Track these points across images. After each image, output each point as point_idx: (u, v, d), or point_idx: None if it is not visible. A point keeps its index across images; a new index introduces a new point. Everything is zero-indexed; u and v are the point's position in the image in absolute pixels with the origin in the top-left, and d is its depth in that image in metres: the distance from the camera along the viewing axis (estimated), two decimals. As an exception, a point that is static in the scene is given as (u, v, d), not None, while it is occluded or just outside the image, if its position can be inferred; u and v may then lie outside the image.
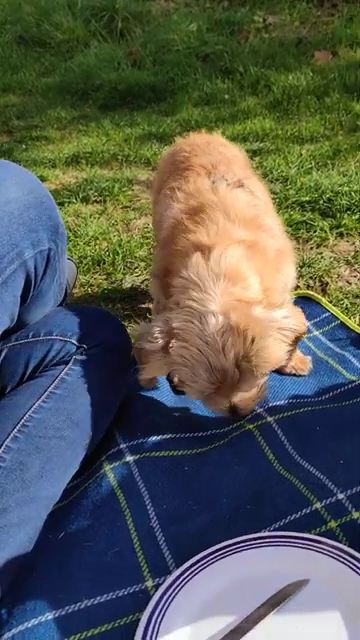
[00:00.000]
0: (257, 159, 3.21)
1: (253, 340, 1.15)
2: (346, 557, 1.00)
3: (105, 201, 2.90)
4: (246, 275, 1.22)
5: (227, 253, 1.22)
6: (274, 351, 1.20)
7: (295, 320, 1.24)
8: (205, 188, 1.39)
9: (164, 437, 1.36)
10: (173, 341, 1.20)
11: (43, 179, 3.29)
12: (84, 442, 1.25)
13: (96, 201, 2.92)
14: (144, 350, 1.24)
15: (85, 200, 2.93)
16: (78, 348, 1.33)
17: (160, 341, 1.22)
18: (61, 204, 2.88)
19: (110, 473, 1.26)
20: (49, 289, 1.31)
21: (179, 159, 1.58)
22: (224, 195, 1.35)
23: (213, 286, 1.19)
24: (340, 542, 1.06)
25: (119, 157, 3.55)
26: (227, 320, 1.15)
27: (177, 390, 1.54)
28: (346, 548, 1.02)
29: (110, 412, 1.34)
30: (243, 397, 1.25)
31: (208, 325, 1.16)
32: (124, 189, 3.00)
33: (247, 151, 3.33)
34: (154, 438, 1.35)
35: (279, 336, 1.21)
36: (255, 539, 1.07)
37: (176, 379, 1.39)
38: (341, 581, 0.97)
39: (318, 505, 1.14)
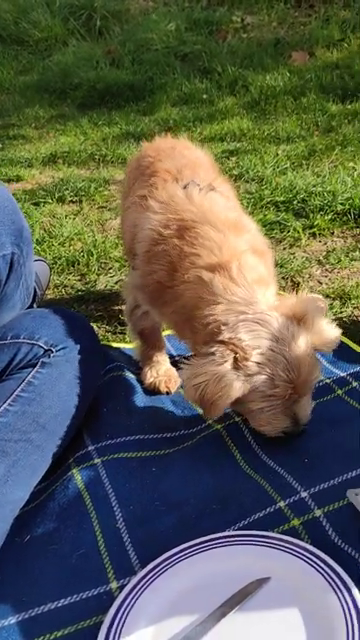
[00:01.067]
0: (234, 159, 3.23)
1: (313, 322, 1.23)
2: (307, 554, 1.02)
3: (81, 201, 2.89)
4: (268, 279, 1.30)
5: (247, 265, 1.26)
6: (329, 330, 1.27)
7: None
8: (179, 196, 1.38)
9: (133, 438, 1.37)
10: (242, 353, 1.17)
11: (19, 178, 3.28)
12: (51, 445, 1.25)
13: (72, 201, 2.91)
14: (214, 378, 1.17)
15: (61, 200, 2.92)
16: (46, 351, 1.33)
17: (229, 359, 1.17)
18: (36, 204, 2.87)
19: (77, 475, 1.26)
20: (14, 293, 1.31)
21: (144, 164, 1.57)
22: (201, 203, 1.36)
23: (253, 295, 1.23)
24: (302, 540, 1.07)
25: (96, 157, 3.54)
26: (283, 315, 1.22)
27: (148, 390, 1.55)
28: (307, 546, 1.04)
29: (78, 415, 1.34)
30: (307, 405, 1.28)
31: (271, 325, 1.20)
32: (100, 189, 3.00)
33: (224, 151, 3.36)
34: (123, 439, 1.36)
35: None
36: (218, 538, 1.08)
37: (252, 422, 1.30)
38: (301, 578, 0.99)
39: (282, 504, 1.16)
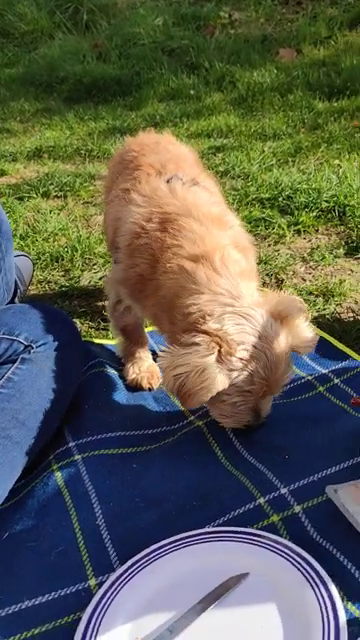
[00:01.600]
0: (220, 155, 3.23)
1: (294, 323, 1.25)
2: (283, 549, 1.02)
3: (66, 196, 2.87)
4: (250, 274, 1.30)
5: (229, 257, 1.26)
6: (308, 332, 1.28)
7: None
8: (162, 190, 1.38)
9: (114, 435, 1.36)
10: (226, 347, 1.16)
11: (3, 172, 3.25)
12: (31, 442, 1.24)
13: (57, 196, 2.89)
14: (196, 369, 1.15)
15: (46, 195, 2.90)
16: (26, 347, 1.32)
17: (215, 352, 1.16)
18: (21, 199, 2.84)
19: (57, 472, 1.25)
20: None
21: (128, 159, 1.57)
22: (184, 197, 1.35)
23: (238, 288, 1.22)
24: (281, 535, 1.08)
25: (82, 152, 3.52)
26: (267, 312, 1.22)
27: (131, 387, 1.55)
28: (285, 541, 1.04)
29: (59, 411, 1.34)
30: (269, 401, 1.29)
31: (256, 320, 1.20)
32: (86, 184, 2.98)
33: (210, 147, 3.36)
34: (104, 436, 1.35)
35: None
36: (198, 535, 1.08)
37: (215, 413, 1.31)
38: (279, 574, 0.99)
39: (262, 500, 1.16)
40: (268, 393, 1.25)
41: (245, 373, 1.19)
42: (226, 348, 1.17)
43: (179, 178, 1.41)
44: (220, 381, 1.17)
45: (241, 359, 1.18)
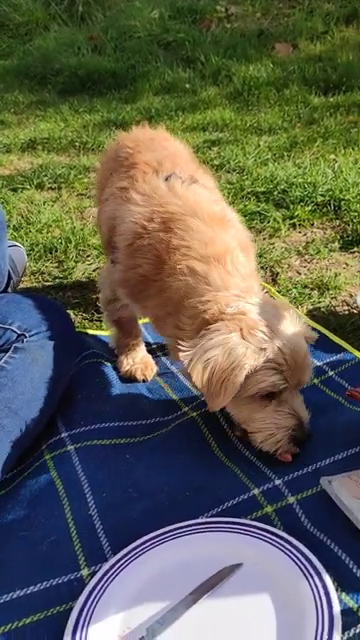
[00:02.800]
0: (215, 149, 3.21)
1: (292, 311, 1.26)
2: (277, 540, 1.02)
3: (60, 188, 2.85)
4: (256, 275, 1.32)
5: (238, 260, 1.25)
6: (308, 329, 1.29)
7: None
8: (162, 189, 1.35)
9: (107, 425, 1.36)
10: (247, 326, 1.14)
11: (-3, 164, 3.22)
12: (23, 431, 1.23)
13: (51, 188, 2.87)
14: (224, 351, 1.12)
15: (40, 187, 2.87)
16: (19, 336, 1.31)
17: (237, 331, 1.14)
18: (14, 190, 2.82)
19: (50, 462, 1.24)
20: None
21: (122, 155, 1.53)
22: (185, 196, 1.33)
23: (251, 286, 1.24)
24: (275, 526, 1.07)
25: (77, 144, 3.49)
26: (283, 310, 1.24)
27: (124, 378, 1.54)
28: (277, 531, 1.04)
29: (52, 401, 1.32)
30: (302, 402, 1.23)
31: (271, 308, 1.21)
32: (80, 176, 2.96)
33: (206, 141, 3.34)
34: (97, 426, 1.34)
35: None
36: (190, 525, 1.08)
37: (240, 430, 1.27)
38: (272, 564, 0.99)
39: (256, 491, 1.16)
40: (298, 378, 1.20)
41: (274, 346, 1.15)
42: (247, 326, 1.15)
43: (178, 176, 1.39)
44: (251, 355, 1.13)
45: (264, 333, 1.15)
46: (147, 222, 1.30)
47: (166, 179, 1.38)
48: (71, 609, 0.97)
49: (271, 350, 1.15)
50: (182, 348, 1.17)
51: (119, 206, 1.40)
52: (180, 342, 1.20)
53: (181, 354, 1.17)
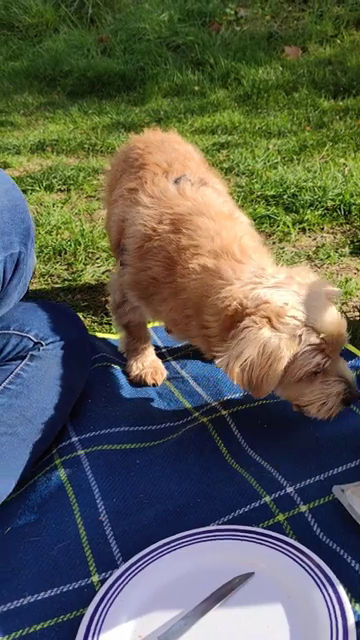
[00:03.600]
0: (224, 152, 3.21)
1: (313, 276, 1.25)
2: (290, 550, 1.01)
3: (69, 190, 2.86)
4: (269, 257, 1.31)
5: (247, 246, 1.24)
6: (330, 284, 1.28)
7: None
8: (171, 191, 1.35)
9: (118, 430, 1.35)
10: (274, 315, 1.12)
11: (6, 165, 3.23)
12: (37, 439, 1.23)
13: (60, 190, 2.88)
14: (257, 349, 1.11)
15: (49, 188, 2.88)
16: (35, 344, 1.30)
17: (265, 324, 1.12)
18: (24, 192, 2.82)
19: (60, 467, 1.24)
20: (15, 290, 1.27)
21: (133, 157, 1.53)
22: (194, 197, 1.33)
23: (264, 268, 1.21)
24: (287, 535, 1.06)
25: (86, 146, 3.50)
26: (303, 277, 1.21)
27: (134, 382, 1.53)
28: (290, 541, 1.03)
29: (65, 409, 1.32)
30: (345, 364, 1.23)
31: (291, 284, 1.18)
32: (89, 178, 2.96)
33: (215, 144, 3.34)
34: (107, 431, 1.34)
35: None
36: (202, 533, 1.07)
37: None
38: (284, 573, 0.98)
39: (267, 499, 1.15)
40: (336, 343, 1.18)
41: (307, 328, 1.14)
42: (274, 314, 1.13)
43: (187, 179, 1.39)
44: (286, 345, 1.12)
45: (294, 317, 1.14)
46: (157, 224, 1.30)
47: (176, 181, 1.38)
48: (82, 616, 0.96)
49: (306, 333, 1.13)
50: (216, 354, 1.16)
51: (128, 208, 1.40)
52: (211, 340, 1.20)
53: (217, 361, 1.16)
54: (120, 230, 1.43)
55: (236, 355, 1.12)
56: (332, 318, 1.17)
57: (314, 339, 1.14)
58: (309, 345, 1.14)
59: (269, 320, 1.13)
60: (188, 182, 1.37)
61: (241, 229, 1.30)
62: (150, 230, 1.30)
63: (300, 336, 1.13)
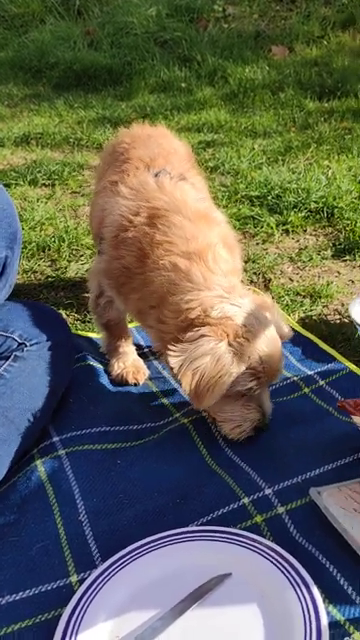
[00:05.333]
0: (210, 151, 3.22)
1: (274, 315, 1.31)
2: (267, 551, 1.03)
3: (54, 185, 2.84)
4: (238, 272, 1.35)
5: (220, 256, 1.27)
6: (283, 322, 1.35)
7: None
8: (150, 184, 1.37)
9: (99, 430, 1.35)
10: (233, 332, 1.19)
11: (-10, 158, 3.19)
12: (18, 440, 1.23)
13: (44, 184, 2.86)
14: (212, 359, 1.16)
15: (33, 183, 2.86)
16: (19, 345, 1.30)
17: (225, 339, 1.18)
18: (7, 185, 2.80)
19: (41, 467, 1.24)
20: (0, 293, 1.27)
21: (119, 150, 1.56)
22: (172, 192, 1.35)
23: (233, 285, 1.26)
24: (264, 536, 1.08)
25: (71, 140, 3.48)
26: (263, 309, 1.27)
27: (116, 382, 1.53)
28: (268, 542, 1.05)
29: (48, 411, 1.32)
30: (268, 397, 1.30)
31: (253, 309, 1.23)
32: (74, 174, 2.95)
33: (200, 142, 3.34)
34: (88, 431, 1.34)
35: None
36: (181, 534, 1.08)
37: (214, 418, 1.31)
38: (261, 574, 1.00)
39: (246, 500, 1.16)
40: (270, 378, 1.27)
41: (256, 354, 1.21)
42: (233, 332, 1.19)
43: (167, 172, 1.41)
44: (237, 365, 1.19)
45: (249, 340, 1.20)
46: (133, 216, 1.33)
47: (155, 175, 1.40)
48: (60, 616, 0.97)
49: (253, 358, 1.21)
50: (171, 353, 1.20)
51: (109, 199, 1.43)
52: (163, 334, 1.25)
53: (171, 359, 1.20)
54: (100, 220, 1.46)
55: (191, 359, 1.17)
56: (277, 355, 1.26)
57: (257, 365, 1.22)
58: (251, 369, 1.22)
59: (227, 336, 1.19)
60: (167, 176, 1.40)
61: (218, 233, 1.33)
62: (126, 221, 1.33)
63: (249, 358, 1.20)
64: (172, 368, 1.20)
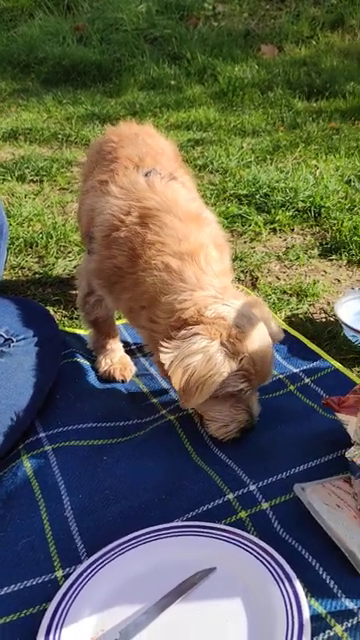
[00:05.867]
0: (199, 149, 3.22)
1: (265, 315, 1.31)
2: (251, 546, 1.04)
3: (42, 181, 2.83)
4: (229, 272, 1.35)
5: (211, 257, 1.28)
6: (274, 322, 1.36)
7: None
8: (141, 184, 1.37)
9: (85, 426, 1.36)
10: (226, 332, 1.19)
11: (-23, 153, 3.17)
12: (2, 437, 1.22)
13: (32, 181, 2.84)
14: (204, 357, 1.17)
15: (21, 179, 2.84)
16: (6, 340, 1.30)
17: (218, 338, 1.18)
18: (-5, 181, 2.79)
19: (27, 462, 1.24)
20: None
21: (106, 149, 1.56)
22: (163, 192, 1.35)
23: (226, 286, 1.27)
24: (248, 532, 1.09)
25: (59, 136, 3.46)
26: (255, 310, 1.27)
27: (103, 378, 1.54)
28: (252, 537, 1.06)
29: (34, 407, 1.32)
30: (257, 399, 1.31)
31: (247, 311, 1.24)
32: (62, 170, 2.94)
33: (189, 140, 3.35)
34: (75, 427, 1.34)
35: None
36: (166, 529, 1.09)
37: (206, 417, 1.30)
38: (245, 569, 1.01)
39: (231, 496, 1.18)
40: (261, 380, 1.27)
41: (248, 355, 1.21)
42: (226, 333, 1.20)
43: (157, 172, 1.42)
44: (228, 364, 1.19)
45: (241, 341, 1.21)
46: (124, 215, 1.33)
47: (146, 174, 1.41)
48: (45, 611, 0.97)
49: (245, 359, 1.21)
50: (163, 349, 1.20)
51: (98, 198, 1.42)
52: (155, 334, 1.25)
53: (162, 355, 1.20)
54: (90, 220, 1.46)
55: (183, 356, 1.17)
56: (269, 357, 1.27)
57: (249, 367, 1.22)
58: (243, 370, 1.22)
59: (220, 335, 1.19)
60: (158, 175, 1.40)
61: (209, 233, 1.33)
62: (117, 221, 1.33)
63: (241, 360, 1.21)
64: (163, 365, 1.20)
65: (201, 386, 1.18)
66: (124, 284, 1.33)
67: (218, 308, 1.22)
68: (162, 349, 1.20)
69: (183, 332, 1.20)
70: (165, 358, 1.19)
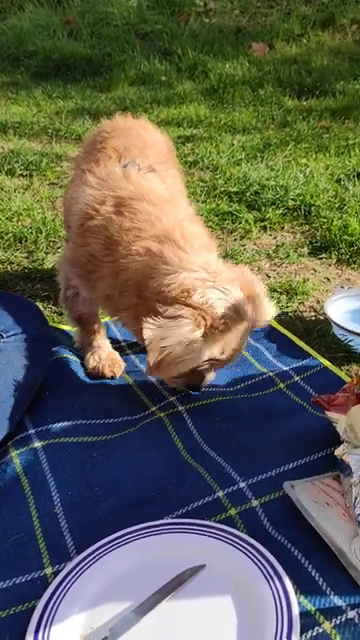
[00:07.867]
0: (189, 145, 3.22)
1: (259, 299, 1.31)
2: (240, 543, 1.04)
3: (31, 175, 2.81)
4: (211, 245, 1.34)
5: (189, 232, 1.28)
6: (269, 306, 1.35)
7: None
8: (117, 174, 1.39)
9: (75, 423, 1.35)
10: (210, 321, 1.20)
11: (-34, 146, 3.14)
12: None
13: (22, 175, 2.82)
14: (184, 342, 1.18)
15: (10, 173, 2.82)
16: None
17: (202, 326, 1.20)
18: (-17, 175, 2.76)
19: (16, 459, 1.23)
20: None
21: (98, 140, 1.57)
22: (138, 182, 1.37)
23: (210, 263, 1.26)
24: (238, 529, 1.10)
25: (49, 130, 3.44)
26: (242, 289, 1.26)
27: (92, 375, 1.53)
28: (241, 534, 1.06)
29: (23, 404, 1.31)
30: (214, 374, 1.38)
31: (234, 297, 1.24)
32: (52, 165, 2.92)
33: (180, 137, 3.34)
34: (64, 424, 1.34)
35: None
36: (155, 526, 1.09)
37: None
38: (235, 566, 1.01)
39: (220, 493, 1.18)
40: (227, 363, 1.32)
41: (222, 346, 1.25)
42: (211, 322, 1.21)
43: (136, 164, 1.43)
44: (207, 351, 1.23)
45: (222, 332, 1.23)
46: (99, 205, 1.34)
47: (124, 166, 1.42)
48: (34, 608, 0.97)
49: (219, 350, 1.25)
50: (147, 325, 1.20)
51: (77, 187, 1.44)
52: (140, 308, 1.26)
53: (145, 331, 1.20)
54: (69, 208, 1.48)
55: (163, 336, 1.19)
56: (241, 352, 1.33)
57: (222, 357, 1.27)
58: (216, 360, 1.27)
59: (205, 324, 1.21)
60: (136, 167, 1.41)
61: (183, 212, 1.35)
62: (92, 210, 1.34)
63: (221, 351, 1.26)
64: (144, 340, 1.21)
65: (173, 367, 1.21)
66: (100, 273, 1.33)
67: (208, 293, 1.22)
68: (145, 325, 1.20)
69: (170, 310, 1.20)
70: (147, 334, 1.20)
